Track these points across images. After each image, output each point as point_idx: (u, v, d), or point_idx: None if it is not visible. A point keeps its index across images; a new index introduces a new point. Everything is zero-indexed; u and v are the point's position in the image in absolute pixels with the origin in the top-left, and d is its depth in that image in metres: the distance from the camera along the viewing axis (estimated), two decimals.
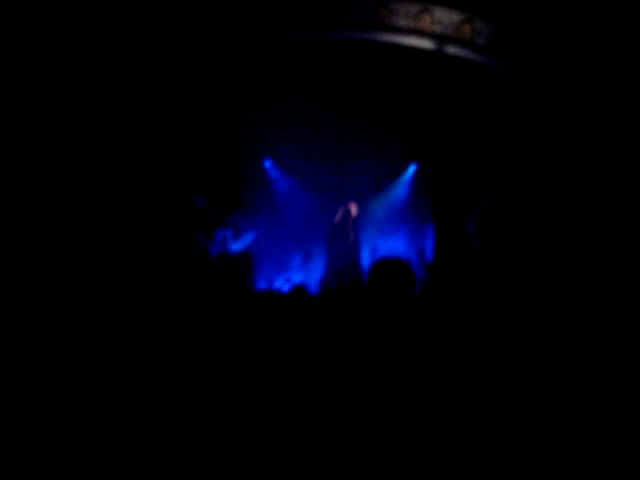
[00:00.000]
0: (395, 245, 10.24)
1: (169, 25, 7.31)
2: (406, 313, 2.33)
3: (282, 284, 9.61)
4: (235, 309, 3.98)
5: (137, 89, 7.51)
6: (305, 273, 9.86)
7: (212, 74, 8.10)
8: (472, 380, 2.04)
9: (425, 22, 7.43)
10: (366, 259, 9.96)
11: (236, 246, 8.94)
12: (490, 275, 6.65)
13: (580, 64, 7.27)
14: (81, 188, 7.17)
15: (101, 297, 5.51)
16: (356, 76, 8.52)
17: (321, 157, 10.07)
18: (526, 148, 7.87)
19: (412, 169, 10.56)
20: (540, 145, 7.71)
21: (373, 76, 8.52)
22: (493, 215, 7.88)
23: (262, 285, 9.31)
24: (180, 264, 7.72)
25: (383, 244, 10.14)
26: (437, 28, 7.45)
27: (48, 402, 2.39)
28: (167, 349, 2.97)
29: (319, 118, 9.48)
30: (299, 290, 5.75)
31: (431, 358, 2.11)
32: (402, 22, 7.44)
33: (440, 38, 7.52)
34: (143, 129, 7.69)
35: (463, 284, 6.83)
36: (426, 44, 7.55)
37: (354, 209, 9.67)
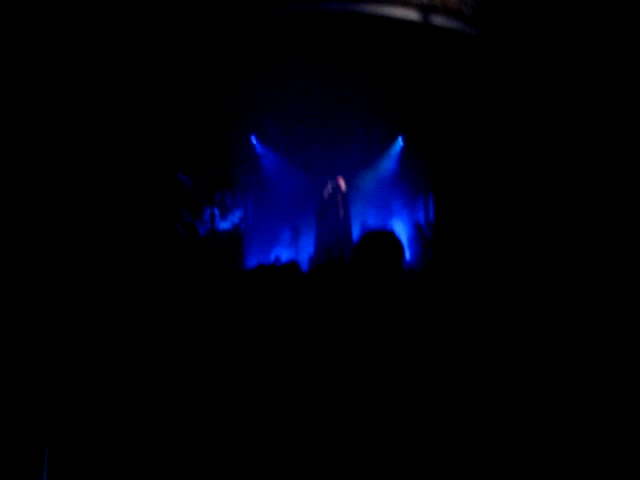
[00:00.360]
0: (386, 219, 10.20)
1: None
2: (396, 285, 2.28)
3: (272, 261, 9.56)
4: (225, 287, 3.93)
5: (120, 64, 7.35)
6: (295, 250, 9.80)
7: (196, 50, 7.94)
8: (470, 362, 2.00)
9: None
10: (356, 234, 9.93)
11: (224, 224, 8.88)
12: (495, 248, 6.64)
13: (567, 31, 7.19)
14: (63, 169, 7.06)
15: (88, 279, 5.44)
16: (341, 50, 8.39)
17: (308, 133, 9.96)
18: (515, 119, 7.81)
19: (400, 142, 10.47)
20: (528, 115, 7.65)
21: (359, 49, 8.39)
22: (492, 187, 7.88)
23: (252, 262, 9.26)
24: (168, 243, 7.64)
25: (373, 219, 10.09)
26: None
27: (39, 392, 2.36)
28: (157, 330, 2.93)
29: (305, 93, 9.36)
30: (290, 266, 5.69)
31: (427, 339, 2.07)
32: None
33: (426, 8, 7.38)
34: (126, 106, 7.55)
35: (468, 259, 6.82)
36: (412, 15, 7.41)
37: (343, 184, 9.61)
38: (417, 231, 9.55)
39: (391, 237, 2.39)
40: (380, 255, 2.28)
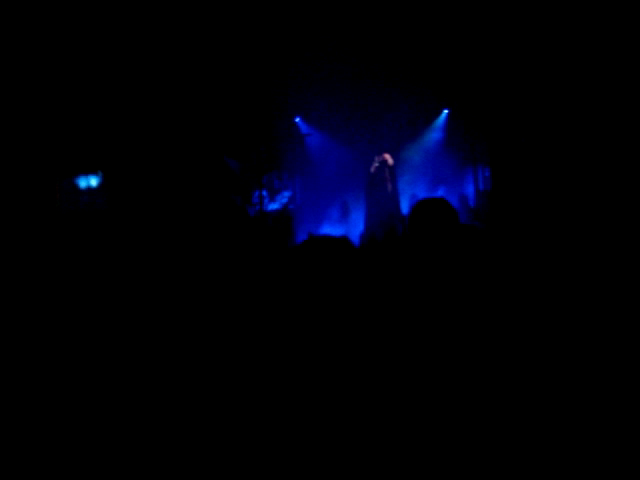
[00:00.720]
0: (435, 192, 10.10)
1: None
2: (451, 251, 2.26)
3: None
4: (277, 264, 3.97)
5: (168, 50, 7.46)
6: (345, 227, 9.80)
7: (238, 35, 7.97)
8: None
9: None
10: (406, 208, 9.87)
11: (273, 205, 8.96)
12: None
13: None
14: (121, 156, 7.27)
15: (146, 266, 5.58)
16: (381, 23, 8.30)
17: (351, 110, 9.91)
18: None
19: (445, 114, 10.31)
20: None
21: (398, 21, 8.28)
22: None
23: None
24: (219, 228, 7.75)
25: (422, 192, 10.00)
26: None
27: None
28: (212, 311, 2.98)
29: (346, 70, 9.30)
30: (343, 240, 5.68)
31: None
32: None
33: None
34: (172, 93, 7.67)
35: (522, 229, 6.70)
36: None
37: (390, 159, 9.56)
38: (461, 201, 9.44)
39: (444, 203, 2.38)
40: (435, 221, 2.27)
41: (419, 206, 2.45)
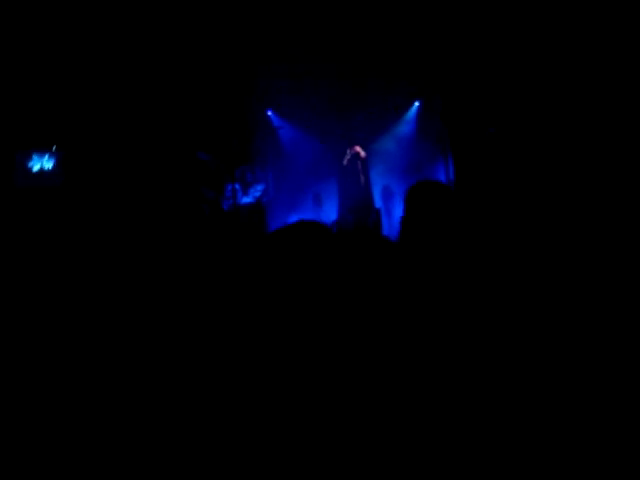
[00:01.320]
0: (407, 183, 10.15)
1: None
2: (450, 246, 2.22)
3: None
4: (251, 254, 3.97)
5: (138, 43, 7.40)
6: (317, 219, 9.80)
7: (211, 28, 7.93)
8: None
9: None
10: (378, 200, 9.93)
11: (246, 199, 8.93)
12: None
13: None
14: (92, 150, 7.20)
15: (117, 258, 5.54)
16: (352, 15, 8.31)
17: (322, 103, 9.92)
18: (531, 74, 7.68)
19: (416, 105, 10.38)
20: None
21: (368, 13, 8.31)
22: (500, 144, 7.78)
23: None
24: (192, 221, 7.73)
25: (395, 184, 10.07)
26: None
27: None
28: (187, 304, 2.98)
29: (316, 63, 9.31)
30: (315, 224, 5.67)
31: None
32: None
33: None
34: (143, 84, 7.61)
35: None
36: None
37: (362, 151, 9.60)
38: None
39: (441, 185, 2.31)
40: (434, 204, 2.20)
41: (416, 188, 2.38)
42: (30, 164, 7.72)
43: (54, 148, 7.75)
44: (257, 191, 9.06)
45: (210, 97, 8.79)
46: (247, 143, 9.53)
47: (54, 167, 7.78)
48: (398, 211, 9.69)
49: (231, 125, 9.16)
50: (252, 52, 8.69)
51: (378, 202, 9.88)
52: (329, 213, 9.86)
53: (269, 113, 10.11)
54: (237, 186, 8.77)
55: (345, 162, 9.56)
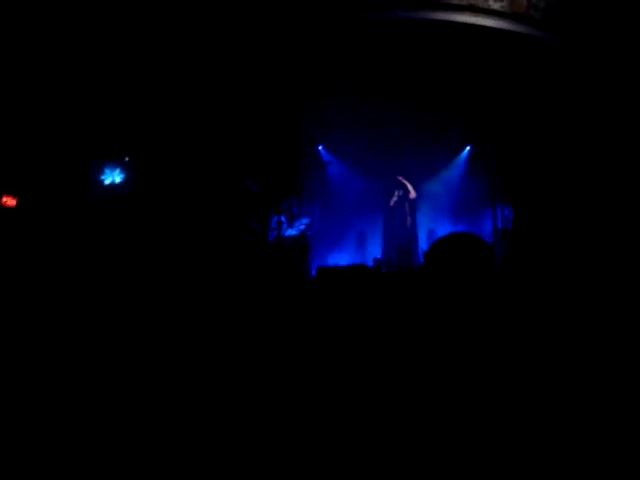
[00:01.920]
0: (453, 228, 10.08)
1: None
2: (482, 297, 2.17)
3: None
4: (293, 289, 3.99)
5: (206, 70, 7.58)
6: (360, 257, 9.80)
7: (266, 62, 8.09)
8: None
9: None
10: (424, 242, 9.86)
11: (291, 231, 9.00)
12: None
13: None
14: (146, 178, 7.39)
15: (162, 284, 5.63)
16: (408, 57, 8.40)
17: (373, 140, 9.96)
18: (585, 122, 7.62)
19: (467, 150, 10.34)
20: (597, 118, 7.45)
21: (424, 56, 8.38)
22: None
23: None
24: (237, 251, 7.80)
25: (441, 228, 10.00)
26: (491, 3, 7.24)
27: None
28: (229, 333, 3.00)
29: (370, 102, 9.39)
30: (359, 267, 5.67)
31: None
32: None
33: (494, 13, 7.30)
34: (197, 117, 7.77)
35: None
36: (480, 20, 7.34)
37: (412, 191, 9.55)
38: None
39: (478, 240, 2.24)
40: (469, 258, 2.15)
41: (449, 240, 2.32)
42: (102, 177, 7.87)
43: (126, 159, 7.91)
44: (302, 224, 9.13)
45: (263, 128, 8.93)
46: (296, 176, 9.63)
47: (125, 179, 7.89)
48: None
49: (281, 157, 9.27)
50: (309, 87, 8.82)
51: (423, 244, 9.82)
52: (372, 252, 9.82)
53: (320, 148, 10.20)
54: (283, 218, 8.86)
55: (392, 201, 9.54)
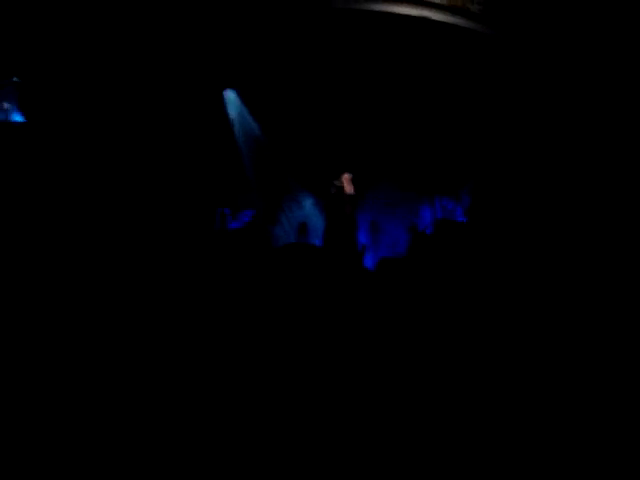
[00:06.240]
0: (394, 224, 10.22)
1: None
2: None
3: None
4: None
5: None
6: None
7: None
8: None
9: None
10: (363, 235, 9.91)
11: (234, 224, 8.96)
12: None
13: (569, 26, 7.28)
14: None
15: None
16: (347, 49, 8.49)
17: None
18: (516, 121, 7.89)
19: None
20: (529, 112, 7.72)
21: (362, 48, 8.48)
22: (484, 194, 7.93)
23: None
24: (182, 242, 7.69)
25: (383, 220, 10.11)
26: None
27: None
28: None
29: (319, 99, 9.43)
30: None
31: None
32: None
33: (432, 5, 7.50)
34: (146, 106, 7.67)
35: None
36: (419, 12, 7.52)
37: (348, 184, 9.51)
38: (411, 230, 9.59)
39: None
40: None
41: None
42: None
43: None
44: (246, 216, 9.09)
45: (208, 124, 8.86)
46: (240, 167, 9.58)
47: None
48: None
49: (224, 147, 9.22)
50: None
51: (362, 238, 9.86)
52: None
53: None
54: (226, 210, 8.81)
55: (332, 192, 9.52)
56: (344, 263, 7.63)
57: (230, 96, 9.32)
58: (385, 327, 2.14)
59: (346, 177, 9.45)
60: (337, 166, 9.53)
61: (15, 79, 7.47)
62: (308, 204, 10.28)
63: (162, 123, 7.99)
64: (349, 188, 9.51)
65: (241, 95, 9.32)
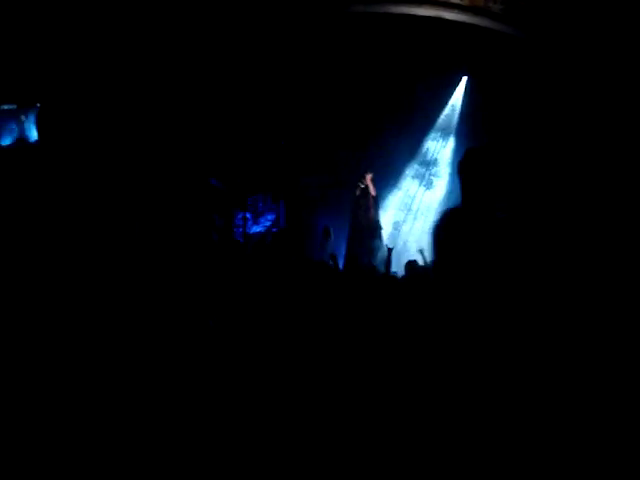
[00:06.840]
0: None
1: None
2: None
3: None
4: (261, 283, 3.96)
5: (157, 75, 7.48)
6: (325, 253, 9.70)
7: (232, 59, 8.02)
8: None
9: None
10: (388, 237, 9.78)
11: (256, 228, 8.95)
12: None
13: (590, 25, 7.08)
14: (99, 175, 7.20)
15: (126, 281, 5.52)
16: (369, 52, 8.41)
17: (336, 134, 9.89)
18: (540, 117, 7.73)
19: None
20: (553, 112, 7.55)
21: (384, 51, 8.40)
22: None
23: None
24: (199, 247, 7.70)
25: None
26: None
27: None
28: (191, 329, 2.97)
29: (331, 99, 9.35)
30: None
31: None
32: None
33: (453, 6, 7.36)
34: (160, 112, 7.67)
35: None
36: (440, 13, 7.39)
37: (372, 186, 9.42)
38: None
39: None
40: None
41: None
42: None
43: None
44: (267, 220, 9.08)
45: (227, 127, 8.84)
46: (262, 173, 9.53)
47: None
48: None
49: (247, 154, 9.18)
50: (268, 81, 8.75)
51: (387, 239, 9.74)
52: (340, 246, 9.74)
53: (283, 143, 10.09)
54: (248, 215, 8.81)
55: (357, 195, 9.44)
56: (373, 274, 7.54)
57: None
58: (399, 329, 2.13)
59: (369, 177, 9.37)
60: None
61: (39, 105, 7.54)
62: None
63: (178, 127, 8.00)
64: (373, 189, 9.44)
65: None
